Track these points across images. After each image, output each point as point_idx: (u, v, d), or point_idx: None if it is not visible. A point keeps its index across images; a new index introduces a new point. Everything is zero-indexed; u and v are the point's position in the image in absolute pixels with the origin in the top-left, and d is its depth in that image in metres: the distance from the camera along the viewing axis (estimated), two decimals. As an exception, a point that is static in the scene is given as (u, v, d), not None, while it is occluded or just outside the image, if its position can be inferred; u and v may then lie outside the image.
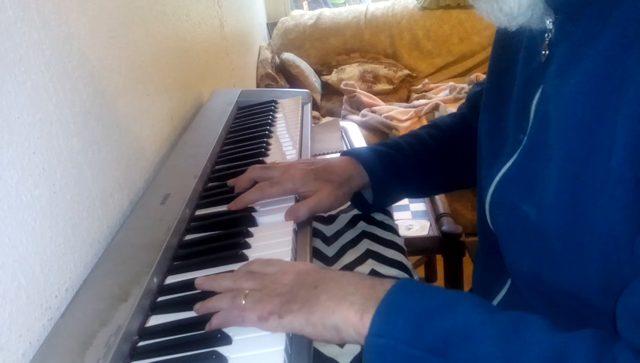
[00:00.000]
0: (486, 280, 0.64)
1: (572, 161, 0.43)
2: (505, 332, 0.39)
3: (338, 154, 1.06)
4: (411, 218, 1.48)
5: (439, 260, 1.52)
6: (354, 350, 0.56)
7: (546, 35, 0.50)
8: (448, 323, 0.41)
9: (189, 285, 0.54)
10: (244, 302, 0.47)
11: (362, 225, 0.75)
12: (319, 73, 2.79)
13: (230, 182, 0.72)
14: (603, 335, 0.38)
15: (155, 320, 0.51)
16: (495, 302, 0.60)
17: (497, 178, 0.54)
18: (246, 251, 0.58)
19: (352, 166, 0.71)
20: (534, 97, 0.51)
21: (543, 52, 0.50)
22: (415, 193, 0.83)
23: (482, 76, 2.52)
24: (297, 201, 0.67)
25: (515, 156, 0.52)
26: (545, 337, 0.38)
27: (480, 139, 0.63)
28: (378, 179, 0.71)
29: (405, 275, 0.65)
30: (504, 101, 0.57)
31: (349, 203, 0.75)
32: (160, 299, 0.53)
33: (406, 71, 2.74)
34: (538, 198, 0.47)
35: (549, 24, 0.49)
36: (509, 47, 0.58)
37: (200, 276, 0.53)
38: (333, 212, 0.78)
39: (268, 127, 0.93)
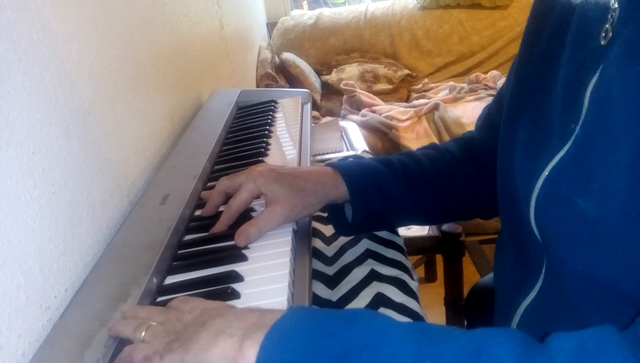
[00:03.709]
0: (514, 283, 0.59)
1: None
2: (412, 334, 0.37)
3: (337, 154, 1.06)
4: (411, 217, 1.48)
5: (439, 259, 1.52)
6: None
7: (609, 15, 0.46)
8: (346, 335, 0.37)
9: (188, 285, 0.55)
10: (143, 334, 0.44)
11: (361, 225, 0.75)
12: (319, 73, 2.79)
13: (203, 195, 0.69)
14: (526, 337, 0.36)
15: (154, 320, 0.51)
16: (524, 305, 0.56)
17: (545, 172, 0.50)
18: (245, 251, 0.58)
19: (327, 175, 0.64)
20: (588, 82, 0.46)
21: (603, 34, 0.46)
22: (403, 216, 0.70)
23: (482, 76, 2.52)
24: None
25: (567, 146, 0.48)
26: (460, 335, 0.36)
27: (512, 135, 0.57)
28: (357, 191, 0.63)
29: (405, 275, 0.65)
30: (544, 90, 0.53)
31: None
32: (159, 299, 0.53)
33: (406, 71, 2.74)
34: (598, 191, 0.43)
35: (613, 2, 0.45)
36: (551, 33, 0.54)
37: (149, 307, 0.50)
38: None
39: (268, 127, 0.93)
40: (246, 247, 0.59)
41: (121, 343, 0.46)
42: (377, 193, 0.65)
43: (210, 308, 0.45)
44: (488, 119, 0.71)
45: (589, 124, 0.46)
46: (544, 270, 0.53)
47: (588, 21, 0.49)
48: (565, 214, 0.47)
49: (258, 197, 0.63)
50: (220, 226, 0.62)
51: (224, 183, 0.65)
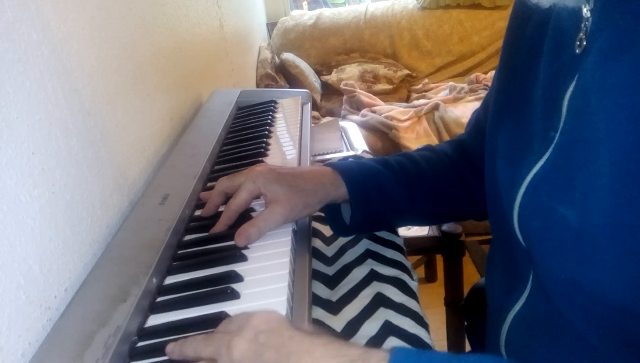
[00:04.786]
0: (503, 289, 0.59)
1: (627, 157, 0.39)
2: None
3: (337, 154, 1.06)
4: (411, 217, 1.48)
5: (439, 259, 1.52)
6: (347, 316, 0.57)
7: (582, 24, 0.46)
8: None
9: (188, 285, 0.55)
10: None
11: (361, 225, 0.75)
12: (319, 73, 2.79)
13: (202, 196, 0.69)
14: None
15: (154, 321, 0.51)
16: (513, 312, 0.56)
17: (527, 180, 0.50)
18: (245, 251, 0.58)
19: (327, 175, 0.64)
20: (565, 91, 0.47)
21: (577, 42, 0.46)
22: (401, 216, 0.71)
23: (482, 76, 2.52)
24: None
25: (547, 154, 0.48)
26: None
27: (495, 144, 0.58)
28: (357, 191, 0.63)
29: (405, 275, 0.65)
30: (524, 98, 0.53)
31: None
32: (159, 299, 0.53)
33: (406, 71, 2.74)
34: (580, 198, 0.43)
35: (586, 12, 0.45)
36: (529, 41, 0.55)
37: (171, 343, 0.45)
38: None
39: (268, 127, 0.93)
40: (246, 247, 0.59)
41: (121, 342, 0.46)
42: (376, 193, 0.65)
43: (267, 332, 0.40)
44: (477, 124, 0.72)
45: (568, 132, 0.46)
46: (531, 278, 0.53)
47: (563, 30, 0.49)
48: (548, 222, 0.47)
49: (258, 197, 0.63)
50: (219, 227, 0.62)
51: (223, 183, 0.64)
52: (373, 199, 0.65)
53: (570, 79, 0.47)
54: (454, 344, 1.42)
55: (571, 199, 0.44)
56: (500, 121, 0.58)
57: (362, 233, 0.72)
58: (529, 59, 0.54)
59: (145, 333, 0.49)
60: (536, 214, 0.49)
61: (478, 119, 0.72)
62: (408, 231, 1.41)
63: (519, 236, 0.52)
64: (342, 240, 0.73)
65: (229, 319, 0.46)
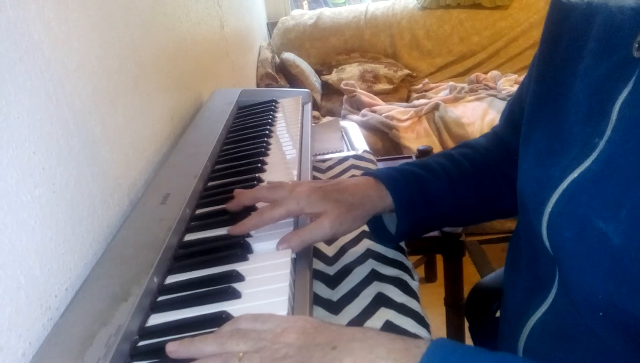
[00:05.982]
0: (525, 291, 0.57)
1: None
2: None
3: (338, 154, 1.06)
4: (411, 217, 1.48)
5: (439, 259, 1.52)
6: (348, 316, 0.57)
7: None
8: None
9: (189, 284, 0.55)
10: None
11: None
12: (319, 73, 2.79)
13: (236, 192, 0.66)
14: None
15: (155, 320, 0.51)
16: (535, 318, 0.53)
17: (562, 186, 0.46)
18: (246, 251, 0.58)
19: (371, 186, 0.62)
20: (617, 96, 0.43)
21: (636, 45, 0.43)
22: (447, 220, 0.70)
23: (483, 76, 2.52)
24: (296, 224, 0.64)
25: (588, 162, 0.45)
26: None
27: (528, 141, 0.55)
28: (403, 201, 0.62)
29: (406, 275, 0.65)
30: (561, 98, 0.50)
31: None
32: (160, 299, 0.53)
33: (406, 71, 2.74)
34: (627, 217, 0.40)
35: None
36: (568, 38, 0.52)
37: (171, 341, 0.44)
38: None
39: (268, 126, 0.93)
40: (247, 247, 0.59)
41: (122, 342, 0.46)
42: (421, 200, 0.63)
43: (313, 328, 0.42)
44: (510, 116, 0.70)
45: (617, 141, 0.43)
46: (555, 285, 0.51)
47: (614, 29, 0.46)
48: (583, 234, 0.44)
49: (295, 216, 0.62)
50: (243, 229, 0.60)
51: (262, 192, 0.62)
52: (418, 206, 0.63)
53: (624, 83, 0.43)
54: (454, 344, 1.41)
55: (615, 216, 0.41)
56: (535, 117, 0.55)
57: (407, 239, 0.71)
58: (568, 57, 0.51)
59: (147, 332, 0.49)
60: (569, 224, 0.46)
61: (512, 110, 0.69)
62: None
63: (546, 242, 0.49)
64: (342, 240, 0.72)
65: (243, 317, 0.45)
